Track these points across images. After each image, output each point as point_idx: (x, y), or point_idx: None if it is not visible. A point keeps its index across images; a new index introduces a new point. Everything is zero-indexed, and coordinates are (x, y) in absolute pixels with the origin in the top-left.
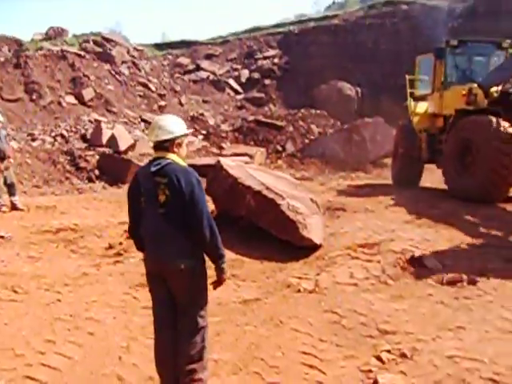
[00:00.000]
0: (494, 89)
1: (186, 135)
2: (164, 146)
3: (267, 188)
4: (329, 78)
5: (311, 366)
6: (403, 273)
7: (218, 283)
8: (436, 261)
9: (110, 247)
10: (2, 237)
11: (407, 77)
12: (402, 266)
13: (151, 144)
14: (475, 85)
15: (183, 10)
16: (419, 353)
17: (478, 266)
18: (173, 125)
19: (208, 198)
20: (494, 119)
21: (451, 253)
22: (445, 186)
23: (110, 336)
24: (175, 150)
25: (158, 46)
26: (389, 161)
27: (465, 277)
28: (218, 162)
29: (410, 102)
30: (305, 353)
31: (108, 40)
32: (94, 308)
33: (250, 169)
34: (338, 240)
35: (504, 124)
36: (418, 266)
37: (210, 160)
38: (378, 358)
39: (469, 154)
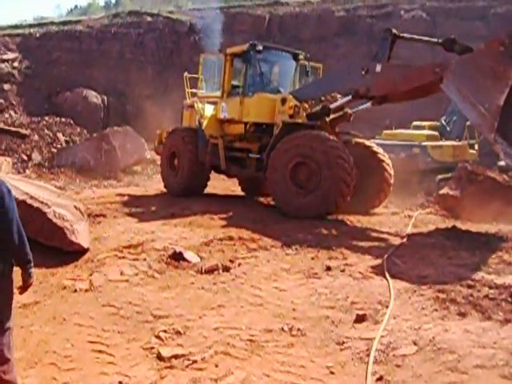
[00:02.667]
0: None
1: None
2: None
3: (31, 197)
4: (74, 85)
5: (100, 351)
6: (167, 267)
7: (24, 288)
8: (194, 254)
9: None
10: None
11: (186, 74)
12: (165, 261)
13: None
14: (289, 96)
15: None
16: (190, 329)
17: (230, 256)
18: None
19: None
20: (328, 135)
21: (206, 247)
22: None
23: None
24: None
25: None
26: (139, 168)
27: (220, 265)
28: None
29: (198, 105)
30: (92, 342)
31: None
32: None
33: (10, 179)
34: (103, 243)
35: (338, 141)
36: (180, 260)
37: None
38: (158, 337)
39: (306, 170)
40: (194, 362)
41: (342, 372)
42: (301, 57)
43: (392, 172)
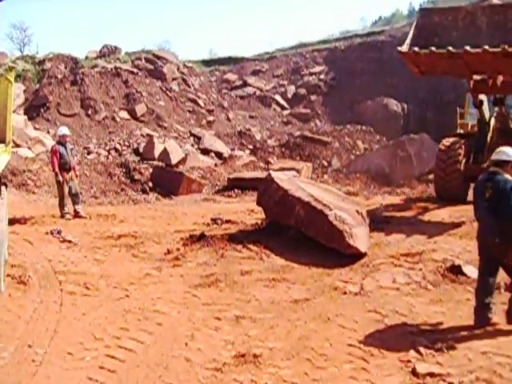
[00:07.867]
0: None
1: None
2: (501, 164)
3: (315, 199)
4: (374, 94)
5: (356, 356)
6: (443, 279)
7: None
8: (475, 269)
9: (169, 252)
10: (69, 241)
11: (458, 109)
12: (442, 273)
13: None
14: None
15: (230, 27)
16: (455, 348)
17: None
18: None
19: (259, 209)
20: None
21: None
22: None
23: (175, 326)
24: (509, 169)
25: (206, 63)
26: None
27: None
28: (269, 175)
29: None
30: (350, 345)
31: (159, 57)
32: (159, 303)
33: (299, 181)
34: (381, 249)
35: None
36: (458, 274)
37: (258, 174)
38: (417, 351)
39: None
40: None
41: None
42: None
43: None
